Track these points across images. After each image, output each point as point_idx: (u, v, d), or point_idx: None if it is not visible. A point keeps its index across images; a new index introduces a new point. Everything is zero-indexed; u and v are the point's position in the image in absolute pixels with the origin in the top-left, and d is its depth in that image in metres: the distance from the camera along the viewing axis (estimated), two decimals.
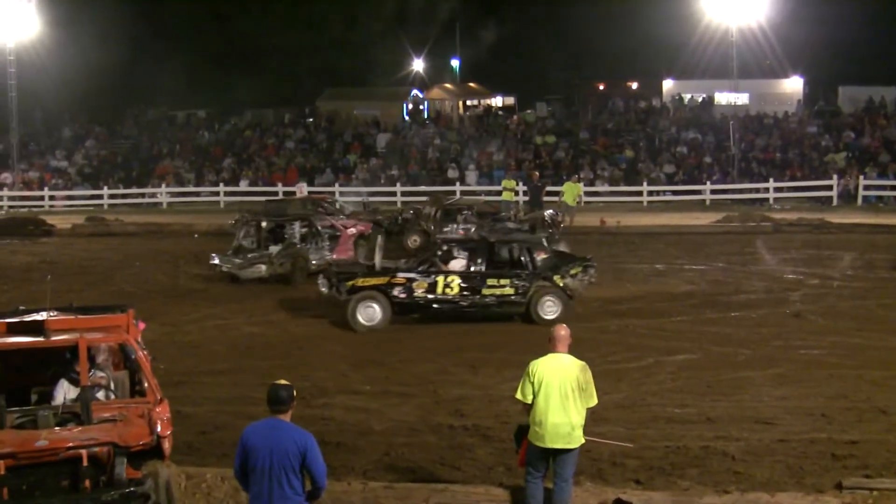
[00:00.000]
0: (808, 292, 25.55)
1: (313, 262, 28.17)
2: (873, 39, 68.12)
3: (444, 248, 23.16)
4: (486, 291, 22.16)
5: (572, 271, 22.52)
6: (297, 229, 28.79)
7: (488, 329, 21.87)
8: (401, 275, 22.15)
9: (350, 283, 22.10)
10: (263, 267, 27.39)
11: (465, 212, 32.09)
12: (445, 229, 30.99)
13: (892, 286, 26.21)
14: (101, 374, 12.24)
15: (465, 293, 22.13)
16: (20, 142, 54.85)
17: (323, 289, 22.51)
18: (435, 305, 22.20)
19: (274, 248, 28.00)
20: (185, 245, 35.49)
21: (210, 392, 17.48)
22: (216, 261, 27.82)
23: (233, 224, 31.82)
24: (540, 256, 22.78)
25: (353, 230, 30.09)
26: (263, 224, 28.79)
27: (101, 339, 12.24)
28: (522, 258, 22.61)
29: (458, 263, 22.80)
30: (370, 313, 21.92)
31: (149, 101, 65.97)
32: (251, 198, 47.79)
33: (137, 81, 67.55)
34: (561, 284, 22.29)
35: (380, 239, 23.82)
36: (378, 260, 22.89)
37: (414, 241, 32.23)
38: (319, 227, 29.24)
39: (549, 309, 22.14)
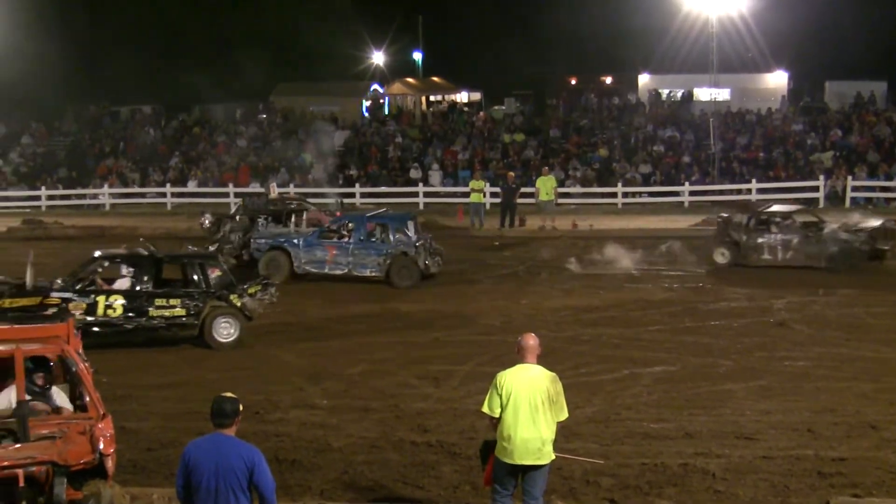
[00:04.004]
0: (793, 300, 25.67)
1: None
2: (862, 31, 68.61)
3: (106, 263, 22.35)
4: (153, 313, 21.43)
5: (250, 290, 22.11)
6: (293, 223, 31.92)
7: (453, 340, 21.91)
8: (55, 295, 21.00)
9: None
10: None
11: (782, 220, 30.08)
12: (760, 240, 29.75)
13: (882, 293, 26.40)
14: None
15: (129, 315, 21.36)
16: None
17: None
18: (95, 329, 20.97)
19: None
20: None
21: (156, 407, 17.41)
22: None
23: (207, 226, 33.89)
24: (214, 274, 22.06)
25: None
26: (261, 219, 31.72)
27: (38, 351, 12.17)
28: (194, 276, 21.97)
29: (121, 282, 22.07)
30: None
31: (90, 96, 65.62)
32: (200, 199, 47.68)
33: (78, 75, 67.11)
34: (238, 304, 21.84)
35: (31, 254, 22.11)
36: (29, 277, 21.40)
37: (722, 254, 30.50)
38: (305, 221, 32.04)
39: (225, 331, 21.71)
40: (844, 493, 13.00)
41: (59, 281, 21.68)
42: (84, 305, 21.14)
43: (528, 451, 10.93)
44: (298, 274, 28.80)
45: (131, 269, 22.09)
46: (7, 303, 20.47)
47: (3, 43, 52.84)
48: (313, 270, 28.80)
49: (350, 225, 29.34)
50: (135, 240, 35.07)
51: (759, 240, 29.91)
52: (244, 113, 62.14)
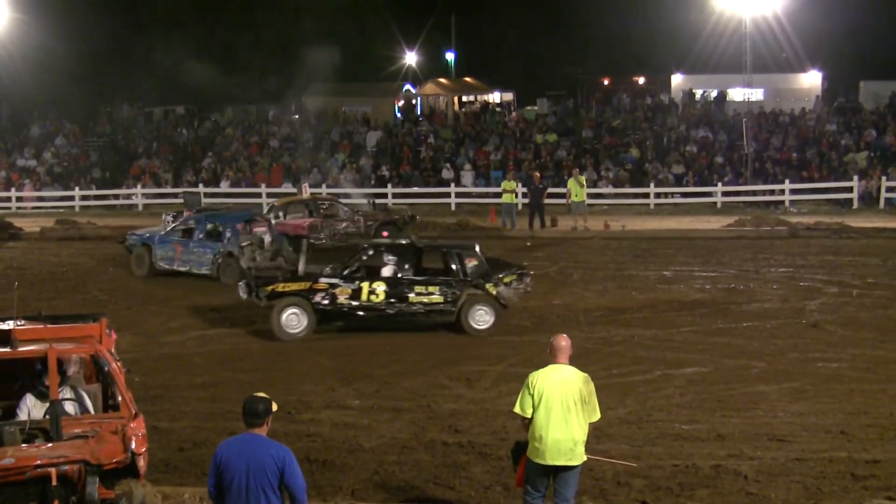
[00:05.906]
0: (827, 301, 25.53)
1: None
2: None
3: (371, 252, 23.20)
4: (413, 299, 22.29)
5: (506, 279, 22.59)
6: None
7: (485, 340, 21.90)
8: (323, 280, 22.32)
9: (270, 288, 22.27)
10: None
11: None
12: None
13: None
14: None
15: (390, 300, 22.28)
16: None
17: (242, 294, 22.83)
18: (359, 313, 22.32)
19: None
20: None
21: (188, 406, 17.46)
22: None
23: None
24: (471, 263, 22.62)
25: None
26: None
27: (71, 350, 12.21)
28: (452, 264, 22.65)
29: (384, 269, 22.83)
30: (293, 321, 22.10)
31: (124, 97, 65.89)
32: (233, 199, 47.84)
33: (111, 75, 67.37)
34: (494, 293, 22.33)
35: (304, 243, 23.94)
36: (302, 265, 23.10)
37: None
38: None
39: (481, 318, 22.27)
40: (878, 495, 12.94)
41: (328, 269, 22.89)
42: (349, 290, 22.25)
43: (559, 452, 10.93)
44: (157, 270, 30.08)
45: (393, 258, 22.92)
46: (280, 287, 22.30)
47: (38, 44, 53.17)
48: (165, 266, 29.89)
49: (193, 224, 30.15)
50: None
51: None
52: (276, 113, 62.30)
